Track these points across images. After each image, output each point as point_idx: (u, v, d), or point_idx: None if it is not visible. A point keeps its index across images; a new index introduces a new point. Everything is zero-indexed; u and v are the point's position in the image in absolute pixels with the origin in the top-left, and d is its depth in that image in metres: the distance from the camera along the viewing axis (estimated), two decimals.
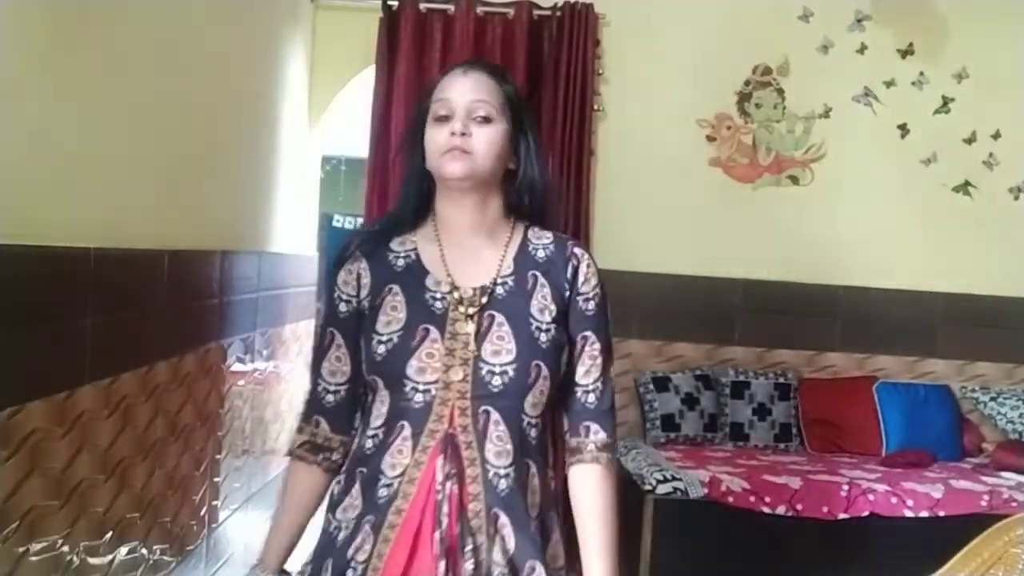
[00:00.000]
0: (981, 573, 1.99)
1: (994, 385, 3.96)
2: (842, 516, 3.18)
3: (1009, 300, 3.95)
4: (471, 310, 1.29)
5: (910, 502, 3.21)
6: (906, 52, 3.96)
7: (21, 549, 1.61)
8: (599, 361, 1.36)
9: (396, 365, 1.26)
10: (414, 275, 1.33)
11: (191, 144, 2.49)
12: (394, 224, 1.38)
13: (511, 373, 1.26)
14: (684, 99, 3.93)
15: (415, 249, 1.36)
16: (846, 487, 3.21)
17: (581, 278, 1.35)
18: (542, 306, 1.31)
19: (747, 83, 3.97)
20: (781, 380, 3.87)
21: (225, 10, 2.68)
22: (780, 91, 3.98)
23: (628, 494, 3.42)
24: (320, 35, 3.93)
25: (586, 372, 1.35)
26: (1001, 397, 3.88)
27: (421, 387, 1.26)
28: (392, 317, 1.30)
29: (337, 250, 1.37)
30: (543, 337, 1.29)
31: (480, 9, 3.74)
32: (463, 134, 1.28)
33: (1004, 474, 3.45)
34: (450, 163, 1.28)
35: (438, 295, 1.30)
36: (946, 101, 3.97)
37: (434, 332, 1.27)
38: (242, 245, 2.99)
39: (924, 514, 3.20)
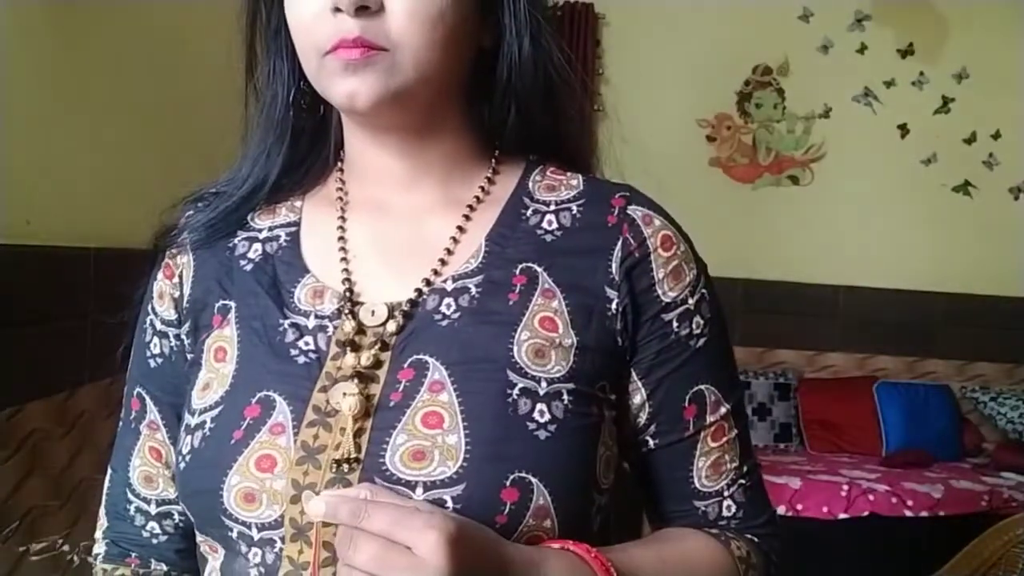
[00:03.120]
0: (981, 573, 1.99)
1: (994, 385, 3.96)
2: (842, 516, 3.18)
3: (1009, 300, 3.94)
4: (372, 355, 0.62)
5: (910, 502, 3.21)
6: (906, 52, 3.96)
7: (21, 549, 1.61)
8: (734, 436, 0.68)
9: (206, 482, 0.61)
10: (272, 278, 0.67)
11: (192, 144, 2.48)
12: (253, 187, 0.72)
13: (450, 507, 0.56)
14: (684, 99, 3.93)
15: (296, 224, 0.71)
16: (846, 487, 3.21)
17: (658, 269, 0.67)
18: (540, 343, 0.62)
19: (747, 83, 3.97)
20: (781, 380, 3.86)
21: (226, 10, 2.68)
22: (780, 91, 3.97)
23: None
24: None
25: (714, 465, 0.68)
26: (1001, 397, 3.87)
27: (255, 534, 0.60)
28: (212, 375, 0.65)
29: (153, 236, 0.75)
30: (538, 414, 0.60)
31: None
32: (361, 9, 0.59)
33: (1004, 474, 3.44)
34: (340, 80, 0.61)
35: (310, 322, 0.65)
36: (946, 101, 3.97)
37: (282, 408, 0.61)
38: None
39: (924, 514, 3.20)
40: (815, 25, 3.95)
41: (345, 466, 0.58)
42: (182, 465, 0.64)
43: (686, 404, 0.67)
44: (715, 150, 3.98)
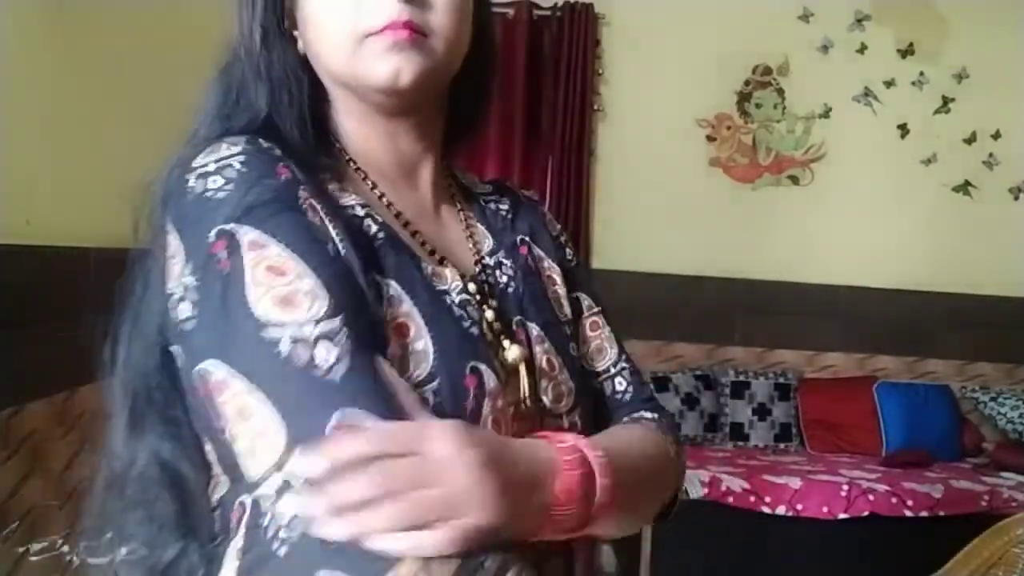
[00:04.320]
0: (981, 573, 1.99)
1: (994, 385, 3.96)
2: (842, 516, 3.18)
3: (1009, 300, 3.94)
4: (499, 318, 0.72)
5: (910, 502, 3.20)
6: (906, 52, 3.96)
7: (21, 549, 1.61)
8: (609, 329, 0.85)
9: None
10: (401, 256, 0.69)
11: None
12: (308, 154, 0.70)
13: (579, 426, 0.74)
14: (684, 99, 3.93)
15: (365, 205, 0.70)
16: (846, 487, 3.21)
17: (555, 223, 0.89)
18: (558, 294, 0.82)
19: (747, 83, 3.97)
20: (781, 380, 3.86)
21: (225, 10, 2.68)
22: (780, 91, 3.97)
23: None
24: None
25: (599, 349, 0.83)
26: (1001, 397, 3.87)
27: None
28: (398, 351, 0.63)
29: (245, 164, 0.64)
30: (573, 349, 0.79)
31: None
32: None
33: (1004, 474, 3.44)
34: (385, 58, 0.67)
35: (454, 297, 0.70)
36: (946, 101, 3.97)
37: (489, 376, 0.67)
38: None
39: (924, 514, 3.20)
40: (815, 25, 3.95)
41: (532, 410, 0.70)
42: None
43: (574, 304, 0.84)
44: (715, 150, 3.98)
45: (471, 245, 0.77)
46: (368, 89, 0.70)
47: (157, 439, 0.67)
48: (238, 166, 0.63)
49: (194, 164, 0.64)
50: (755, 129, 3.98)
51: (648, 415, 0.81)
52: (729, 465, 3.38)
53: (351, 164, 0.73)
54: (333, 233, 0.63)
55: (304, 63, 0.73)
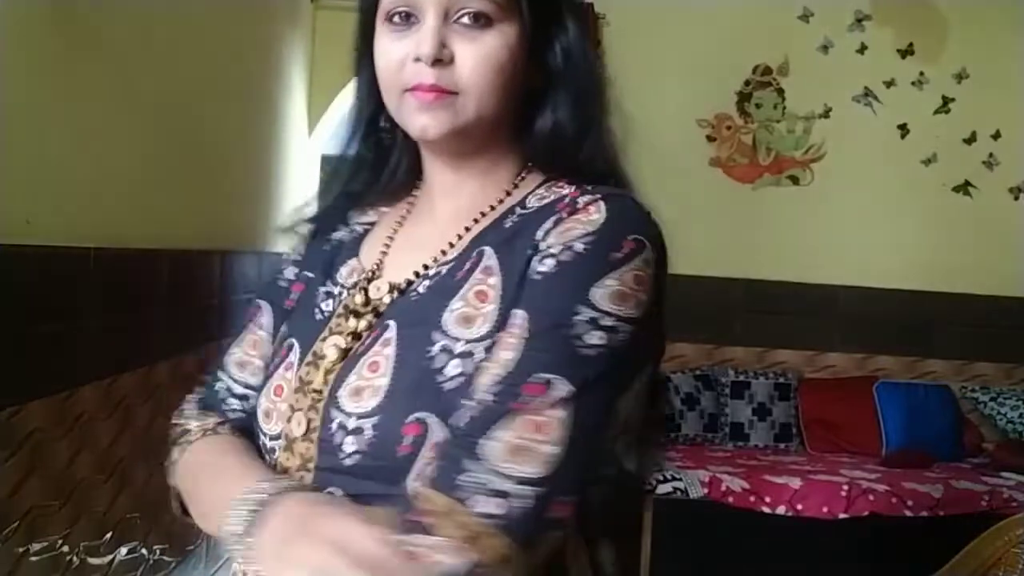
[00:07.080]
0: (981, 573, 1.99)
1: (994, 385, 3.96)
2: (842, 516, 3.18)
3: (1009, 300, 3.95)
4: (361, 319, 0.77)
5: (910, 502, 3.20)
6: (906, 52, 3.96)
7: (21, 549, 1.61)
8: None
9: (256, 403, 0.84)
10: (335, 259, 0.87)
11: (191, 144, 2.49)
12: (369, 188, 0.89)
13: (368, 433, 0.69)
14: (684, 99, 3.93)
15: (372, 224, 0.90)
16: (846, 487, 3.21)
17: (556, 230, 0.71)
18: (470, 312, 0.71)
19: (747, 83, 3.98)
20: (781, 380, 3.87)
21: (225, 10, 2.68)
22: (780, 91, 3.98)
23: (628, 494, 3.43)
24: (320, 35, 3.93)
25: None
26: (1001, 397, 3.88)
27: (268, 443, 0.79)
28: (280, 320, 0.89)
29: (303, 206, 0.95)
30: (450, 368, 0.69)
31: None
32: (437, 61, 0.72)
33: (1004, 474, 3.44)
34: (416, 115, 0.74)
35: (335, 290, 0.84)
36: (946, 101, 3.97)
37: (295, 351, 0.81)
38: (242, 245, 2.98)
39: (924, 514, 3.20)
40: (815, 25, 3.95)
41: (317, 395, 0.75)
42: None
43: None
44: (715, 150, 3.98)
45: (433, 254, 0.79)
46: (411, 135, 0.79)
47: None
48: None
49: None
50: (755, 129, 3.98)
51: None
52: (729, 465, 3.38)
53: (418, 185, 0.88)
54: (291, 274, 0.90)
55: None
